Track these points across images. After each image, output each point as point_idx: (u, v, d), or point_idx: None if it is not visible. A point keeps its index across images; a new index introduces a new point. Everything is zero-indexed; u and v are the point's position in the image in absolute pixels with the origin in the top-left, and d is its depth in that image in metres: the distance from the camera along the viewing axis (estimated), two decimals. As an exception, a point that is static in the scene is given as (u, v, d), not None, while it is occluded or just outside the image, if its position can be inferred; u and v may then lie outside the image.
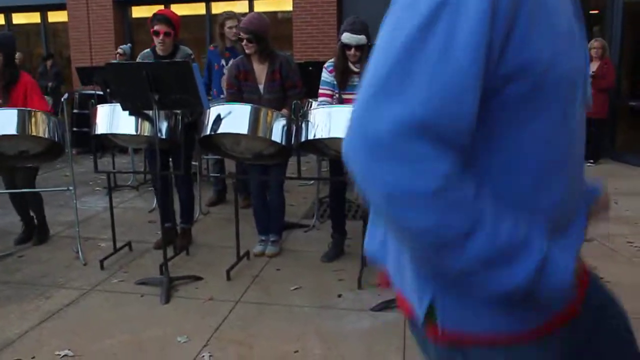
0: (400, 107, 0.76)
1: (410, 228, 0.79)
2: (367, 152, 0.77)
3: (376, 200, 0.80)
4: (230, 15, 5.12)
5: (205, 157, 5.51)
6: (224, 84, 5.02)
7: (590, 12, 8.65)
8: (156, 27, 3.92)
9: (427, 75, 0.76)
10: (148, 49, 4.10)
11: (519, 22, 0.79)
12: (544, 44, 0.81)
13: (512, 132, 0.85)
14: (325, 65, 3.88)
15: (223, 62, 5.09)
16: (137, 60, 4.16)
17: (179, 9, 10.92)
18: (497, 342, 0.92)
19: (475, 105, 0.79)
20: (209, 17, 11.04)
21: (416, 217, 0.77)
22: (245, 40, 3.79)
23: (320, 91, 3.87)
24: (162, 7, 10.68)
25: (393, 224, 0.82)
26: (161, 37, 3.92)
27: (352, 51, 3.63)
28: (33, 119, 3.81)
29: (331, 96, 3.83)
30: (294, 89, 3.90)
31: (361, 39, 3.58)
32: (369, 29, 3.63)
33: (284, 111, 3.70)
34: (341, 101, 3.81)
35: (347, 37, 3.60)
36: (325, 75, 3.84)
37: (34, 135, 3.82)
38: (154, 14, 3.98)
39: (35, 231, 4.51)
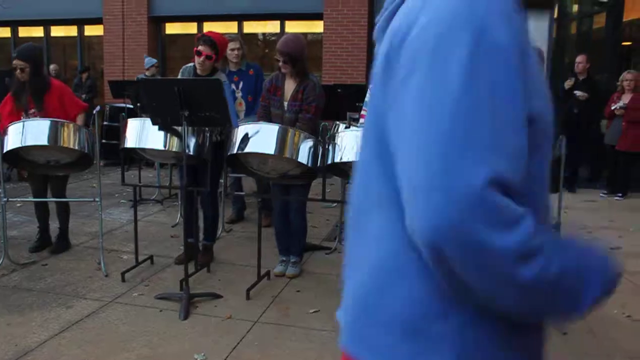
0: (483, 167, 0.73)
1: (517, 283, 0.77)
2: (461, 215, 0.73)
3: (471, 259, 0.76)
4: (232, 37, 5.12)
5: (232, 175, 5.53)
6: (236, 107, 5.04)
7: (623, 44, 8.58)
8: (200, 48, 3.99)
9: (492, 131, 0.75)
10: (191, 64, 4.16)
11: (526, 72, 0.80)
12: (538, 95, 0.83)
13: None
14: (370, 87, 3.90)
15: (233, 86, 5.07)
16: (180, 74, 4.23)
17: (212, 27, 11.09)
18: None
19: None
20: (241, 36, 11.20)
21: (520, 277, 0.75)
22: (281, 62, 3.83)
23: (362, 112, 3.89)
24: (194, 24, 10.88)
25: (494, 285, 0.78)
26: (202, 58, 3.99)
27: None
28: (65, 130, 3.88)
29: None
30: (306, 114, 3.90)
31: None
32: None
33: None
34: None
35: None
36: (368, 97, 3.85)
37: (64, 147, 3.89)
38: (202, 34, 4.08)
39: (57, 241, 4.56)
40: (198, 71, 4.09)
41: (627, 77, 7.09)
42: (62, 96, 4.26)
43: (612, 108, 7.08)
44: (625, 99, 7.00)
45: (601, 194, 7.31)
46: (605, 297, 0.84)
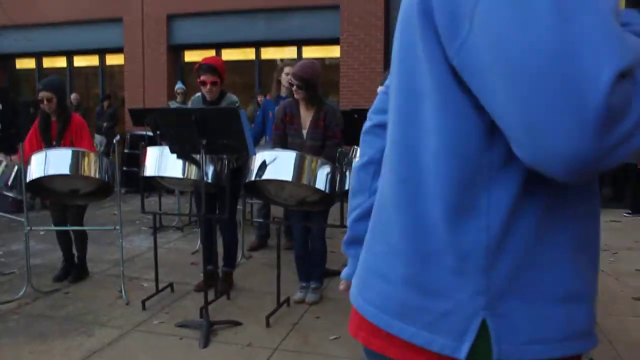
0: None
1: None
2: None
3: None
4: (290, 63, 5.18)
5: (250, 201, 5.56)
6: None
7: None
8: (202, 77, 4.04)
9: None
10: (199, 94, 4.22)
11: None
12: None
13: None
14: None
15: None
16: (189, 104, 4.28)
17: (230, 54, 11.30)
18: None
19: None
20: (258, 62, 11.35)
21: None
22: (295, 86, 3.86)
23: None
24: (212, 51, 11.05)
25: None
26: (208, 86, 4.05)
27: None
28: (86, 160, 3.94)
29: None
30: (333, 139, 3.94)
31: None
32: None
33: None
34: None
35: None
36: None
37: (86, 176, 3.95)
38: (200, 64, 4.11)
39: (75, 269, 4.61)
40: (207, 98, 4.13)
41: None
42: (78, 133, 4.31)
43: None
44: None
45: (625, 214, 7.21)
46: None
